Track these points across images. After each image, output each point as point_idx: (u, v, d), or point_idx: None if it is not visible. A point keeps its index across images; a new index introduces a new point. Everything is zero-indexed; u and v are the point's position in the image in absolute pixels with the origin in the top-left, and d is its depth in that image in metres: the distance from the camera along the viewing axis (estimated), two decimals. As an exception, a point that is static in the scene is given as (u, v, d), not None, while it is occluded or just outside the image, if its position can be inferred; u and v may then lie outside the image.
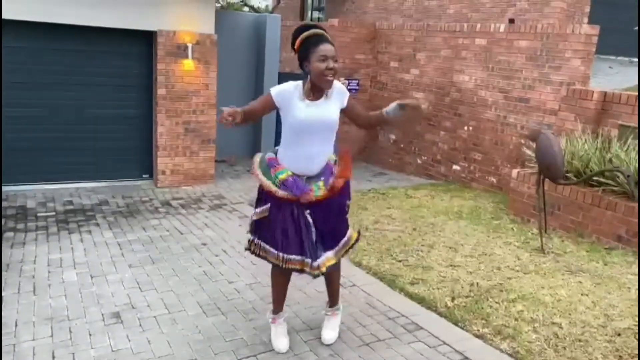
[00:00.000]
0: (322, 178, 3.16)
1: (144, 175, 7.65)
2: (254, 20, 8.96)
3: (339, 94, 3.16)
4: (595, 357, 3.31)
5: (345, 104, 3.19)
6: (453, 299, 4.08)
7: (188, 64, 7.15)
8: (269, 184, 3.14)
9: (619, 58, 10.27)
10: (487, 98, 7.77)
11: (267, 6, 19.95)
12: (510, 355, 3.36)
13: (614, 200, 5.17)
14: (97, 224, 5.72)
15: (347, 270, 4.40)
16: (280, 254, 3.19)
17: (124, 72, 7.20)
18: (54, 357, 3.23)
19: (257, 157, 3.31)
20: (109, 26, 6.70)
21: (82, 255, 4.84)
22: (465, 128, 8.13)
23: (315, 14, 16.28)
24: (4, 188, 6.69)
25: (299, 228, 3.16)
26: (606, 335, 3.55)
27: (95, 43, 6.91)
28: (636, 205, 4.94)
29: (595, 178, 5.29)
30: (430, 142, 8.77)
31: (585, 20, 9.37)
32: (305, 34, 3.04)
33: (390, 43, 9.44)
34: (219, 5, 15.18)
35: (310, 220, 3.16)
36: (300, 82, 3.11)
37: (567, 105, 6.46)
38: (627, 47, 10.15)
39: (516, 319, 3.75)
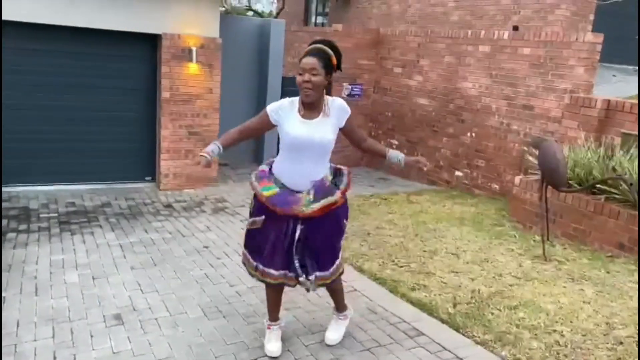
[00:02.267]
0: (314, 193, 3.09)
1: (146, 178, 7.66)
2: (258, 25, 8.98)
3: (339, 111, 3.13)
4: (597, 365, 3.30)
5: (343, 123, 3.16)
6: (454, 305, 4.07)
7: (192, 67, 7.17)
8: (262, 194, 3.12)
9: (623, 66, 10.27)
10: (490, 105, 7.78)
11: (271, 11, 20.01)
12: (511, 362, 3.35)
13: (617, 208, 5.16)
14: (100, 226, 5.73)
15: (349, 276, 4.40)
16: (260, 266, 3.20)
17: (128, 75, 7.22)
18: (55, 358, 3.23)
19: (254, 180, 3.26)
20: (114, 29, 6.72)
21: (84, 257, 4.85)
22: (469, 134, 8.13)
23: (320, 20, 16.32)
24: (7, 189, 6.71)
25: (286, 243, 3.14)
26: (608, 343, 3.54)
27: (100, 46, 6.94)
28: (639, 213, 4.94)
29: (597, 186, 5.28)
30: (433, 148, 8.77)
31: (589, 28, 9.38)
32: (307, 48, 3.04)
33: (394, 49, 9.46)
34: (224, 9, 15.23)
35: (297, 234, 3.11)
36: (297, 98, 3.10)
37: (571, 113, 6.46)
38: (631, 55, 10.15)
39: (517, 326, 3.75)
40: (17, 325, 3.58)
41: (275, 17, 15.40)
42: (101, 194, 6.98)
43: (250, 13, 18.88)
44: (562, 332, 3.67)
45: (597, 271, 4.76)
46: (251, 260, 3.26)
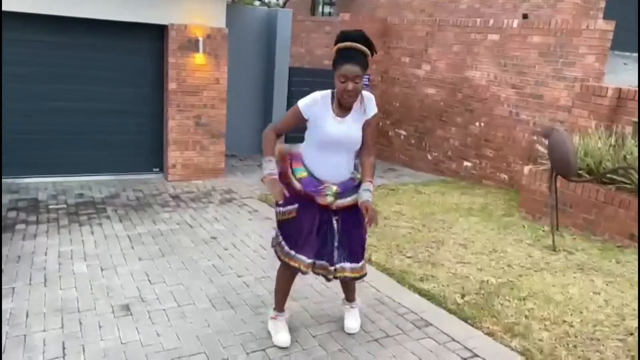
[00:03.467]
0: (345, 188, 3.14)
1: (154, 169, 7.67)
2: (265, 15, 8.94)
3: (368, 104, 3.13)
4: (607, 356, 3.27)
5: (369, 117, 3.15)
6: (463, 296, 4.05)
7: (199, 58, 7.15)
8: (294, 178, 3.13)
9: (634, 54, 10.12)
10: (499, 94, 7.70)
11: (278, 1, 19.92)
12: (520, 353, 3.33)
13: (628, 198, 5.10)
14: (108, 217, 5.74)
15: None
16: (292, 252, 3.19)
17: (135, 66, 7.21)
18: (64, 348, 3.25)
19: (284, 148, 3.25)
20: (121, 20, 6.71)
21: (92, 248, 4.86)
22: (477, 124, 8.07)
23: (327, 9, 16.22)
24: (17, 180, 6.74)
25: (319, 232, 3.16)
26: (618, 334, 3.51)
27: (107, 37, 6.93)
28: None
29: (608, 175, 5.23)
30: (441, 138, 8.72)
31: (600, 15, 9.24)
32: (340, 45, 2.96)
33: (402, 38, 9.38)
34: (230, -1, 15.15)
35: (335, 226, 3.17)
36: (328, 93, 3.09)
37: (581, 102, 6.38)
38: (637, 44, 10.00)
39: (527, 317, 3.72)
40: (27, 316, 3.60)
41: (282, 7, 15.32)
42: (109, 185, 7.00)
43: (257, 3, 18.80)
44: (572, 322, 3.65)
45: (607, 261, 4.72)
46: (286, 247, 3.22)
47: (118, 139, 7.33)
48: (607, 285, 4.24)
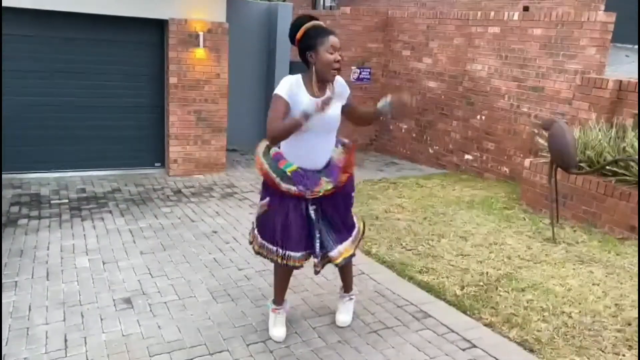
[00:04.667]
0: (329, 172, 3.13)
1: (156, 164, 7.70)
2: (265, 9, 8.93)
3: (342, 88, 3.12)
4: (605, 347, 3.29)
5: (345, 100, 3.16)
6: (462, 287, 4.07)
7: (199, 52, 7.15)
8: (273, 177, 3.09)
9: (636, 47, 10.09)
10: (500, 87, 7.69)
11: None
12: (519, 344, 3.35)
13: (628, 190, 5.10)
14: (110, 212, 5.77)
15: (357, 259, 4.36)
16: (280, 251, 3.16)
17: (135, 61, 7.23)
18: (66, 341, 3.28)
19: (261, 146, 3.21)
20: (121, 14, 6.71)
21: (94, 242, 4.90)
22: (478, 117, 8.06)
23: (328, 2, 16.18)
24: (19, 175, 6.78)
25: (303, 224, 3.14)
26: (617, 325, 3.53)
27: (107, 32, 6.94)
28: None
29: (608, 168, 5.22)
30: (442, 132, 8.71)
31: (602, 7, 9.21)
32: (310, 24, 3.00)
33: (403, 31, 9.36)
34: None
35: (313, 216, 3.14)
36: (299, 76, 3.04)
37: (582, 94, 6.37)
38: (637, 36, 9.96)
39: (525, 308, 3.74)
40: (29, 309, 3.63)
41: (283, 1, 15.29)
42: (111, 180, 7.03)
43: (258, -3, 18.76)
44: (570, 313, 3.66)
45: (607, 253, 4.73)
46: (272, 247, 3.18)
47: (119, 134, 7.35)
48: (606, 276, 4.25)
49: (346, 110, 3.21)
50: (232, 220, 5.64)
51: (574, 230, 5.35)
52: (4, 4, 5.97)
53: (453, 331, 3.50)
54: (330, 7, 15.60)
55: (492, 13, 7.86)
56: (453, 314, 3.72)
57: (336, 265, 3.29)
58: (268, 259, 3.26)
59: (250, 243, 3.39)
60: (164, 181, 7.15)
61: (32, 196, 6.15)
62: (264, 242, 3.23)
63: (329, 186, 3.10)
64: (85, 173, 7.20)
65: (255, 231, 3.31)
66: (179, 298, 3.88)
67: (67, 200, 6.08)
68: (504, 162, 7.70)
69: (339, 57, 2.97)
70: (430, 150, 8.93)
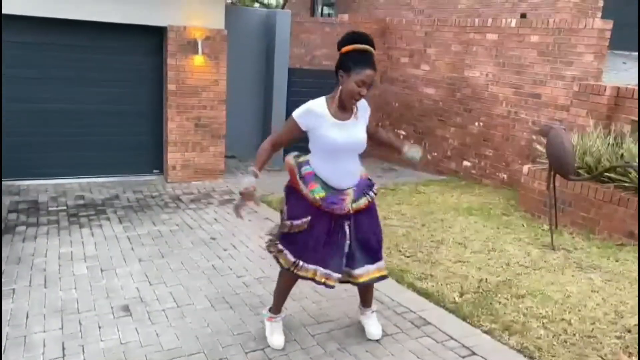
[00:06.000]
0: (359, 189, 3.16)
1: (154, 170, 7.69)
2: (264, 16, 8.95)
3: (363, 110, 3.14)
4: (605, 354, 3.28)
5: (367, 120, 3.18)
6: (461, 294, 4.06)
7: (198, 59, 7.17)
8: (313, 197, 3.04)
9: (633, 53, 10.12)
10: (498, 93, 7.71)
11: (277, 2, 19.95)
12: (518, 351, 3.34)
13: (626, 197, 5.11)
14: (108, 218, 5.76)
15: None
16: (298, 262, 3.11)
17: (134, 68, 7.23)
18: (63, 349, 3.26)
19: (291, 160, 3.17)
20: (120, 22, 6.73)
21: (92, 249, 4.88)
22: (476, 124, 8.08)
23: (326, 10, 16.24)
24: (17, 182, 6.76)
25: (333, 240, 3.11)
26: (616, 331, 3.52)
27: (106, 39, 6.95)
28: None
29: (606, 174, 5.23)
30: (440, 138, 8.73)
31: (599, 14, 9.25)
32: (361, 47, 2.90)
33: (401, 38, 9.40)
34: (229, 1, 15.20)
35: (348, 232, 3.12)
36: (323, 99, 3.03)
37: (579, 101, 6.40)
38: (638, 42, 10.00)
39: (525, 315, 3.73)
40: (27, 317, 3.61)
41: (282, 8, 15.34)
42: (109, 187, 7.02)
43: (256, 4, 18.83)
44: (570, 320, 3.66)
45: (606, 260, 4.73)
46: (288, 254, 3.14)
47: (118, 141, 7.35)
48: (605, 283, 4.25)
49: (367, 131, 3.20)
50: (230, 227, 5.64)
51: (573, 237, 5.35)
52: (4, 11, 5.98)
53: (452, 338, 3.49)
54: (329, 15, 15.65)
55: (490, 20, 7.89)
56: (452, 321, 3.71)
57: (356, 284, 3.26)
58: (280, 263, 3.21)
59: (277, 259, 3.25)
60: (162, 188, 7.15)
61: (30, 203, 6.14)
62: (299, 260, 3.12)
63: (359, 204, 3.11)
64: (84, 180, 7.19)
65: (284, 250, 3.17)
66: (178, 305, 3.87)
67: (65, 207, 6.06)
68: (502, 168, 7.72)
69: (364, 92, 2.92)
70: (429, 157, 8.93)
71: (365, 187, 3.20)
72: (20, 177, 6.83)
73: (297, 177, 3.11)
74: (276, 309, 3.45)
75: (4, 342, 3.29)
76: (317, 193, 3.04)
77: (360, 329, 3.59)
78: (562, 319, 3.68)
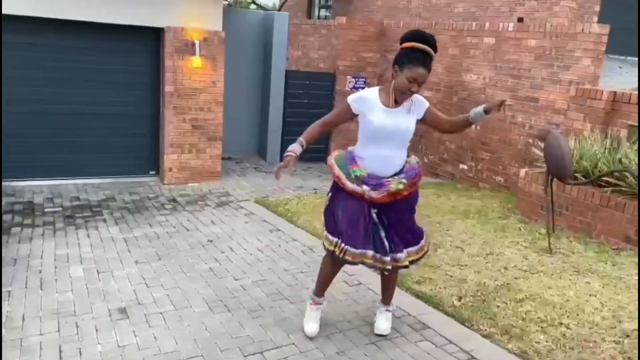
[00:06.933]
0: (405, 172, 3.21)
1: (150, 172, 7.66)
2: (261, 18, 8.95)
3: (418, 106, 3.21)
4: (604, 359, 3.28)
5: (422, 115, 3.23)
6: (460, 298, 4.06)
7: (196, 61, 7.15)
8: (338, 174, 3.19)
9: (629, 58, 10.18)
10: (495, 97, 7.72)
11: (274, 4, 19.94)
12: (517, 355, 3.34)
13: (623, 201, 5.12)
14: (104, 220, 5.73)
15: (353, 269, 4.37)
16: (340, 243, 3.19)
17: (131, 69, 7.21)
18: (60, 352, 3.23)
19: (332, 158, 3.32)
20: (117, 23, 6.70)
21: (88, 251, 4.85)
22: (473, 127, 8.06)
23: (323, 12, 16.25)
24: (12, 183, 6.72)
25: (365, 223, 3.20)
26: (615, 336, 3.53)
27: (103, 39, 6.92)
28: (645, 206, 4.90)
29: (604, 178, 5.25)
30: (437, 141, 8.74)
31: (595, 19, 9.29)
32: (420, 45, 3.04)
33: (398, 41, 9.38)
34: (227, 2, 15.18)
35: (376, 218, 3.22)
36: (376, 88, 3.19)
37: (576, 105, 6.41)
38: (637, 47, 10.06)
39: (524, 319, 3.73)
40: (23, 319, 3.58)
41: (279, 10, 15.33)
42: (105, 188, 6.98)
43: (254, 6, 18.82)
44: (568, 325, 3.66)
45: (603, 264, 4.74)
46: (332, 237, 3.24)
47: (114, 142, 7.32)
48: (603, 287, 4.25)
49: (430, 123, 3.31)
50: (227, 229, 5.61)
51: (570, 241, 5.36)
52: (2, 11, 5.94)
53: (452, 342, 3.48)
54: (326, 17, 15.66)
55: (487, 24, 7.91)
56: (451, 325, 3.71)
57: (395, 268, 3.32)
58: (326, 249, 3.31)
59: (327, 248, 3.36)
60: (159, 189, 7.12)
61: (26, 204, 6.10)
62: (327, 233, 3.27)
63: (400, 186, 3.15)
64: (79, 181, 7.15)
65: (326, 233, 3.32)
66: (175, 308, 3.84)
67: (60, 209, 6.03)
68: (499, 171, 7.73)
69: (415, 89, 3.05)
70: (426, 160, 8.94)
71: (415, 175, 3.24)
72: (15, 177, 6.78)
73: (332, 161, 3.25)
74: (319, 291, 3.50)
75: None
76: (356, 172, 3.17)
77: (360, 333, 3.58)
78: (561, 323, 3.68)
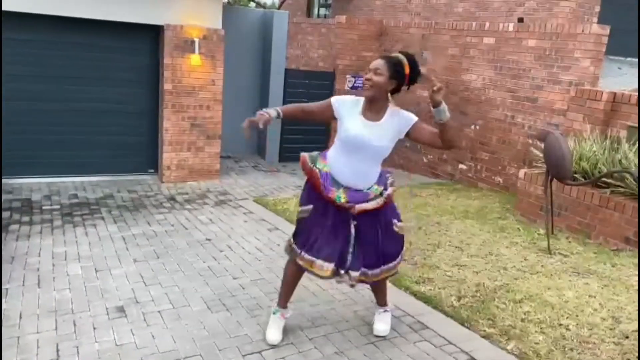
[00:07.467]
0: (353, 193, 3.10)
1: (149, 170, 7.64)
2: (261, 16, 8.93)
3: (400, 122, 3.13)
4: (603, 360, 3.28)
5: (406, 131, 3.13)
6: (459, 298, 4.05)
7: (195, 58, 7.13)
8: (317, 177, 3.12)
9: (629, 59, 10.18)
10: (494, 97, 7.72)
11: (274, 2, 19.91)
12: (516, 356, 3.33)
13: (622, 202, 5.12)
14: (102, 218, 5.71)
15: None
16: (307, 256, 3.18)
17: (130, 66, 7.19)
18: (57, 350, 3.22)
19: (307, 155, 3.29)
20: (117, 20, 6.68)
21: (86, 249, 4.83)
22: (473, 127, 8.08)
23: (322, 11, 16.22)
24: (10, 181, 6.69)
25: (338, 234, 3.15)
26: (614, 337, 3.52)
27: (102, 37, 6.90)
28: (645, 207, 4.90)
29: (603, 179, 5.24)
30: (436, 141, 8.71)
31: (595, 20, 9.29)
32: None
33: (398, 41, 9.39)
34: (226, 1, 15.15)
35: (352, 231, 3.15)
36: (361, 98, 3.15)
37: (576, 106, 6.41)
38: (637, 48, 10.05)
39: (523, 320, 3.72)
40: (20, 317, 3.56)
41: (278, 9, 15.31)
42: (104, 186, 6.96)
43: (253, 4, 18.79)
44: (568, 326, 3.65)
45: (602, 265, 4.73)
46: (297, 249, 3.24)
47: (113, 140, 7.29)
48: (602, 288, 4.25)
49: (414, 138, 3.18)
50: (226, 228, 5.60)
51: (569, 241, 5.35)
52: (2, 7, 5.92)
53: (451, 343, 3.47)
54: (325, 16, 15.64)
55: (487, 24, 7.90)
56: (450, 326, 3.70)
57: (354, 285, 3.30)
58: (288, 252, 3.32)
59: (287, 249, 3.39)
60: (157, 188, 7.10)
61: (24, 202, 6.07)
62: (294, 246, 3.27)
63: (340, 200, 3.08)
64: (77, 178, 7.13)
65: (292, 238, 3.33)
66: (174, 307, 3.83)
67: (58, 206, 6.00)
68: (498, 172, 7.72)
69: (369, 76, 3.02)
70: (425, 160, 8.93)
71: (363, 199, 3.12)
72: (13, 175, 6.75)
73: (309, 163, 3.19)
74: (280, 300, 3.47)
75: (-3, 343, 3.25)
76: (323, 167, 3.14)
77: (359, 333, 3.57)
78: (560, 324, 3.67)
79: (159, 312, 3.75)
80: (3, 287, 3.97)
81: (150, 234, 5.31)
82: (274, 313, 3.48)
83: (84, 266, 4.46)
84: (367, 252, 3.22)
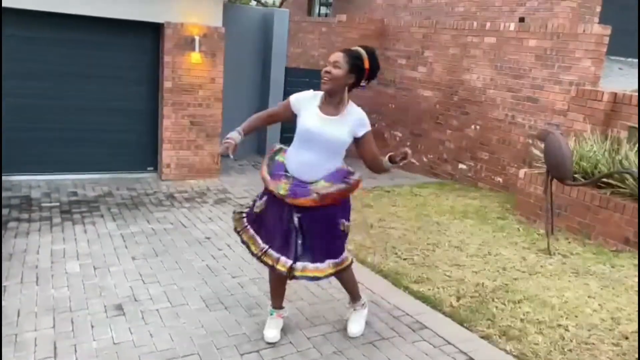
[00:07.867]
0: (295, 188, 3.09)
1: (148, 168, 7.63)
2: (261, 15, 8.91)
3: (356, 121, 3.10)
4: (602, 361, 3.27)
5: (359, 134, 3.11)
6: (458, 298, 4.04)
7: (195, 57, 7.11)
8: (263, 173, 3.22)
9: (630, 59, 10.17)
10: (495, 97, 7.71)
11: (274, 1, 19.90)
12: (515, 356, 3.32)
13: (622, 203, 5.11)
14: (101, 216, 5.70)
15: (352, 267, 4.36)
16: (264, 246, 3.22)
17: (130, 64, 7.17)
18: (55, 348, 3.21)
19: (275, 148, 3.39)
20: (117, 17, 6.66)
21: (85, 247, 4.82)
22: (473, 127, 8.07)
23: (323, 10, 16.20)
24: (9, 178, 6.68)
25: (285, 228, 3.16)
26: (613, 338, 3.51)
27: (102, 34, 6.88)
28: (645, 208, 4.89)
29: (603, 180, 5.23)
30: (436, 141, 8.72)
31: (596, 20, 9.27)
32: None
33: (398, 40, 9.38)
34: (227, -1, 15.12)
35: (297, 224, 3.12)
36: (321, 93, 3.13)
37: (577, 106, 6.39)
38: (638, 48, 10.04)
39: (522, 321, 3.71)
40: (18, 315, 3.55)
41: (279, 7, 15.28)
42: (103, 183, 6.94)
43: (254, 3, 18.77)
44: (567, 326, 3.64)
45: (602, 265, 4.72)
46: (258, 240, 3.28)
47: (112, 137, 7.27)
48: (601, 289, 4.24)
49: (359, 148, 3.17)
50: (225, 227, 5.58)
51: (569, 242, 5.34)
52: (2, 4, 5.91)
53: (450, 343, 3.46)
54: (326, 15, 15.62)
55: (488, 24, 7.89)
56: (449, 326, 3.69)
57: (290, 277, 3.21)
58: (250, 251, 3.32)
59: (236, 230, 3.45)
60: (157, 186, 7.08)
61: (22, 199, 6.06)
62: (253, 233, 3.32)
63: (281, 192, 3.10)
64: (77, 176, 7.11)
65: (244, 219, 3.39)
66: (172, 305, 3.82)
67: (58, 204, 5.99)
68: (498, 172, 7.71)
69: (328, 69, 3.00)
70: (425, 159, 8.92)
71: (302, 194, 3.08)
72: (12, 172, 6.73)
73: (265, 161, 3.30)
74: (272, 302, 3.47)
75: (-6, 341, 3.24)
76: (278, 156, 3.26)
77: (357, 332, 3.56)
78: (559, 325, 3.66)
79: (157, 310, 3.74)
80: (1, 284, 3.96)
81: (149, 232, 5.30)
82: (270, 314, 3.48)
83: (83, 264, 4.45)
84: (314, 246, 3.17)
